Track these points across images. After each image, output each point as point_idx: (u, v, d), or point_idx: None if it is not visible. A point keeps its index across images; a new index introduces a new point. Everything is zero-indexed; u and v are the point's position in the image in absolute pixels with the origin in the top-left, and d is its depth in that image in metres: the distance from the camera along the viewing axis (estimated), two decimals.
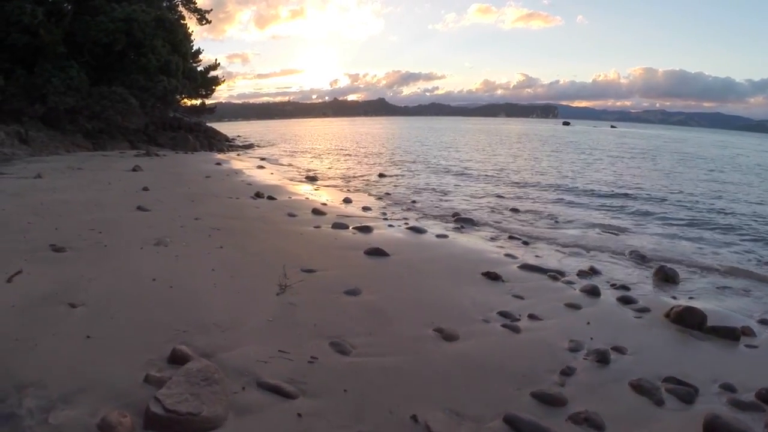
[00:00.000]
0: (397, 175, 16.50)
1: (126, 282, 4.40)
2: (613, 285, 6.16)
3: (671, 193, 13.61)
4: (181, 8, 35.61)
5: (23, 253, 5.15)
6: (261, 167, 17.58)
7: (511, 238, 8.40)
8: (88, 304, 3.86)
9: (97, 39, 26.75)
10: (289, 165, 20.40)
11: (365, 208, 9.88)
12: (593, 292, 5.72)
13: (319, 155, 26.42)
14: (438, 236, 7.88)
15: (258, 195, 10.21)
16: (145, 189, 10.27)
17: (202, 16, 41.25)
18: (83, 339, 3.29)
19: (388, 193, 12.39)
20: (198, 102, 46.34)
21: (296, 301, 4.31)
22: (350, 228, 7.76)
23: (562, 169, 19.13)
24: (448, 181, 15.03)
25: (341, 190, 13.04)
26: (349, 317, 4.12)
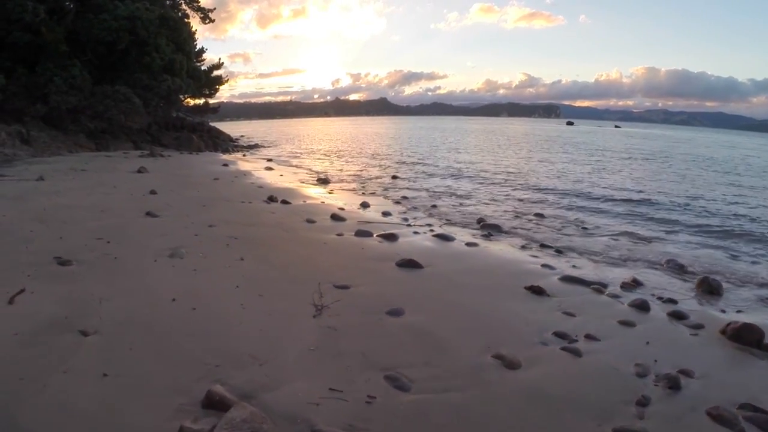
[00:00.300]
0: (410, 178, 15.97)
1: (142, 303, 3.91)
2: (659, 298, 5.80)
3: (692, 198, 13.10)
4: (184, 6, 35.07)
5: (26, 266, 4.67)
6: (269, 168, 17.07)
7: (543, 246, 7.92)
8: (101, 331, 3.37)
9: (100, 37, 26.31)
10: (298, 166, 19.85)
11: (385, 213, 9.37)
12: (642, 306, 5.38)
13: (327, 156, 25.80)
14: (468, 245, 7.39)
15: (271, 199, 9.71)
16: (153, 192, 9.78)
17: (206, 15, 40.78)
18: (99, 377, 2.80)
19: (405, 197, 11.88)
20: (201, 101, 45.91)
21: (336, 324, 3.82)
22: (375, 236, 7.27)
23: (577, 172, 18.59)
24: (464, 184, 14.50)
25: (356, 193, 12.51)
26: (399, 343, 3.63)
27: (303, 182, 13.91)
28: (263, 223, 7.47)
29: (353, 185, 13.91)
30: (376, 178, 15.91)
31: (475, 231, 8.64)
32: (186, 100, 44.55)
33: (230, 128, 59.19)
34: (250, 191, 10.89)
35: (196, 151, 25.43)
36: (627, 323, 4.78)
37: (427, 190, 13.29)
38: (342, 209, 9.30)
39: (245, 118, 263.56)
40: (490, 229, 8.76)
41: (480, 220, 9.47)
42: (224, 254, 5.53)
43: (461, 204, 11.29)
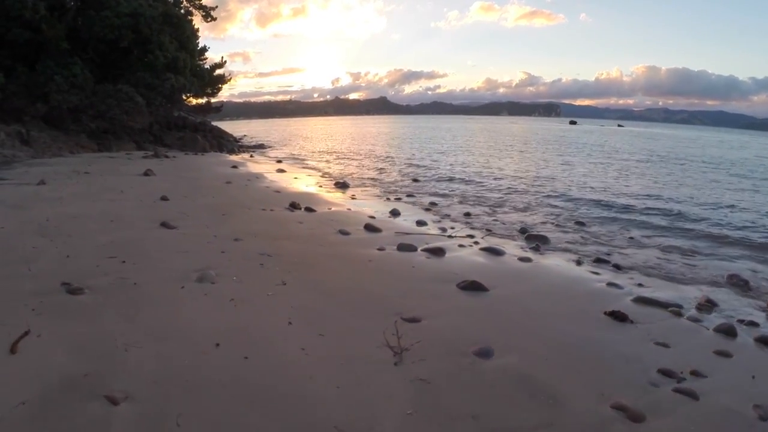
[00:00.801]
0: (431, 181, 15.11)
1: (180, 350, 3.10)
2: (740, 321, 5.23)
3: (728, 208, 12.18)
4: (186, 3, 34.25)
5: (29, 296, 3.87)
6: (281, 171, 16.26)
7: (598, 261, 7.14)
8: (134, 395, 2.56)
9: (101, 35, 25.53)
10: (311, 168, 19.00)
11: (420, 223, 8.57)
12: (729, 332, 4.85)
13: (338, 156, 24.86)
14: (521, 260, 6.62)
15: (294, 206, 8.91)
16: (164, 199, 8.98)
17: (207, 13, 39.90)
18: None
19: (434, 203, 11.02)
20: (203, 101, 45.11)
21: (425, 373, 3.04)
22: (419, 250, 6.48)
23: (600, 176, 17.60)
24: (489, 190, 13.50)
25: (381, 198, 11.67)
26: (506, 396, 2.89)
27: (321, 186, 13.09)
28: (294, 235, 6.67)
29: (375, 190, 13.07)
30: (396, 181, 15.05)
31: (521, 243, 7.85)
32: (188, 100, 43.83)
33: (230, 128, 58.11)
34: (269, 197, 10.09)
35: (201, 151, 24.62)
36: (723, 354, 4.27)
37: (453, 195, 12.45)
38: (373, 218, 8.51)
39: (245, 117, 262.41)
40: (537, 241, 7.97)
41: (523, 230, 8.68)
42: (261, 277, 4.73)
43: (495, 212, 10.45)
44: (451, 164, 20.20)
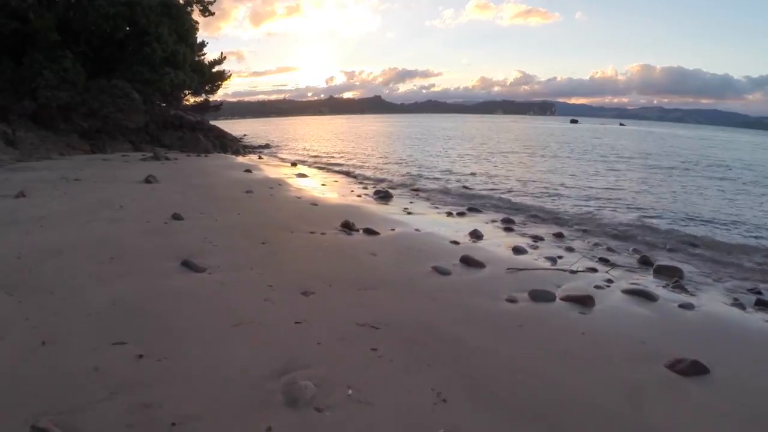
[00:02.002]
0: (478, 189, 13.04)
1: None
2: None
3: None
4: None
5: None
6: (302, 175, 14.20)
7: (760, 304, 5.22)
8: None
9: (95, 26, 23.43)
10: (332, 171, 16.95)
11: (518, 251, 6.51)
12: None
13: (353, 157, 22.66)
14: (682, 306, 4.70)
15: (348, 227, 6.86)
16: (177, 217, 6.92)
17: (205, 8, 37.67)
18: None
19: (509, 220, 8.90)
20: (201, 99, 42.99)
21: None
22: (557, 299, 4.50)
23: (663, 185, 15.33)
24: (557, 204, 11.18)
25: (439, 212, 9.56)
26: None
27: (360, 196, 10.99)
28: (380, 279, 4.60)
29: (424, 202, 10.91)
30: (442, 189, 12.92)
31: (657, 280, 5.87)
32: (187, 98, 41.68)
33: (226, 127, 55.91)
34: (308, 212, 8.04)
35: (204, 152, 22.50)
36: None
37: (521, 209, 10.33)
38: (456, 243, 6.47)
39: (239, 117, 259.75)
40: (672, 275, 6.00)
41: (645, 260, 6.68)
42: (389, 381, 2.68)
43: (584, 233, 8.39)
44: (489, 171, 17.68)
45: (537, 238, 7.45)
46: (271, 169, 15.59)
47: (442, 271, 4.97)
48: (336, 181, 13.67)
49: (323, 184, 12.47)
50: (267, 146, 28.68)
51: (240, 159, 19.73)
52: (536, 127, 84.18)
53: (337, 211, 8.08)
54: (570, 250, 6.96)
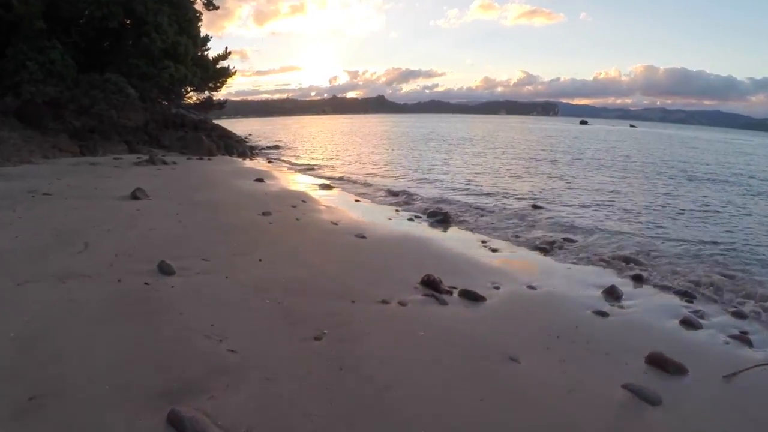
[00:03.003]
0: (550, 210, 10.47)
1: None
2: None
3: None
4: None
5: None
6: (327, 187, 11.82)
7: None
8: None
9: (87, 13, 21.13)
10: (362, 183, 14.18)
11: (689, 324, 4.20)
12: None
13: (370, 162, 20.16)
14: None
15: (433, 287, 4.49)
16: (165, 270, 4.57)
17: (209, 1, 35.22)
18: None
19: (631, 262, 6.48)
20: (204, 96, 40.69)
21: None
22: None
23: (690, 206, 12.46)
24: (656, 233, 8.72)
25: (526, 247, 7.09)
26: None
27: (411, 220, 8.56)
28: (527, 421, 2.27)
29: (498, 230, 8.36)
30: (508, 214, 10.07)
31: None
32: (189, 95, 39.41)
33: (230, 126, 53.47)
34: (358, 252, 5.72)
35: (207, 155, 20.13)
36: None
37: (624, 245, 7.76)
38: (604, 314, 4.15)
39: (242, 116, 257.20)
40: None
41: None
42: None
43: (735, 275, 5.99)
44: (546, 187, 14.40)
45: (687, 296, 5.06)
46: (287, 178, 13.28)
47: (645, 396, 2.61)
48: (365, 194, 11.29)
49: (356, 200, 10.11)
50: (276, 147, 26.21)
51: (248, 163, 17.39)
52: (547, 128, 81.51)
53: (401, 249, 5.79)
54: (740, 316, 4.59)
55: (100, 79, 20.28)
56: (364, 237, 6.39)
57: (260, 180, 11.81)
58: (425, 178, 15.00)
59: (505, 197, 11.87)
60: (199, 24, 35.27)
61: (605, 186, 14.60)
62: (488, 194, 12.33)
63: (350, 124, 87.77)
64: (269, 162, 18.96)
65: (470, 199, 11.33)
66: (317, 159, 21.38)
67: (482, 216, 9.22)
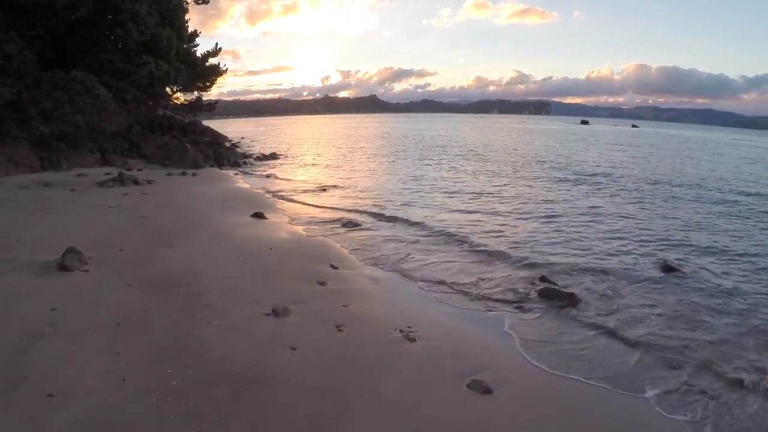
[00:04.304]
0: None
1: None
2: None
3: None
4: None
5: None
6: (353, 224, 8.52)
7: None
8: None
9: (51, 1, 17.88)
10: (394, 218, 9.38)
11: None
12: None
13: (394, 180, 15.78)
14: None
15: None
16: None
17: None
18: None
19: None
20: (193, 96, 37.30)
21: None
22: None
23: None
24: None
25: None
26: None
27: (512, 302, 5.22)
28: None
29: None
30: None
31: None
32: (175, 95, 36.03)
33: (222, 128, 50.25)
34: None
35: (193, 167, 16.91)
36: None
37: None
38: None
39: (234, 116, 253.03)
40: None
41: None
42: None
43: None
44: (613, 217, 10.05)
45: None
46: (293, 208, 9.98)
47: None
48: (417, 241, 7.64)
49: (409, 255, 6.57)
50: (273, 156, 22.79)
51: (240, 182, 14.04)
52: (549, 129, 78.44)
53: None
54: None
55: (64, 77, 17.01)
56: (486, 393, 3.21)
57: (259, 216, 8.58)
58: (469, 204, 11.59)
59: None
60: (187, 18, 32.03)
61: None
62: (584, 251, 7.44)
63: (344, 126, 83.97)
64: (267, 177, 15.64)
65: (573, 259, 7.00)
66: (320, 172, 17.74)
67: (621, 295, 5.82)
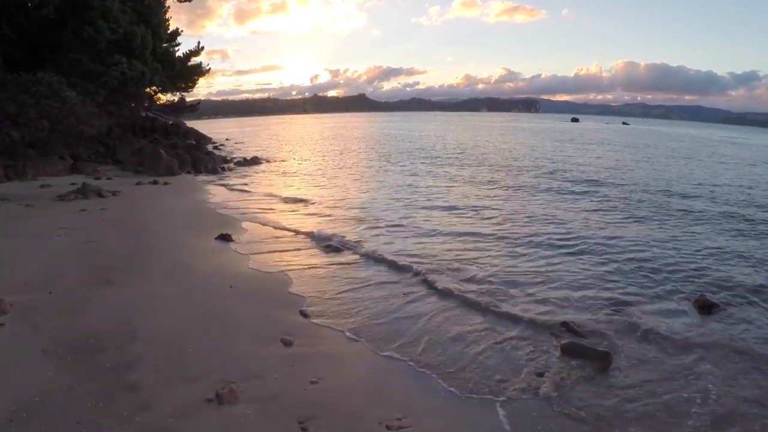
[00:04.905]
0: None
1: None
2: None
3: None
4: None
5: None
6: (336, 251, 7.32)
7: None
8: None
9: None
10: (385, 263, 7.01)
11: None
12: None
13: (390, 196, 13.12)
14: None
15: None
16: None
17: None
18: None
19: None
20: (175, 97, 36.09)
21: None
22: None
23: None
24: None
25: None
26: None
27: (529, 376, 4.15)
28: None
29: None
30: None
31: None
32: (157, 95, 34.82)
33: (209, 128, 49.15)
34: None
35: (167, 174, 15.88)
36: None
37: None
38: None
39: (222, 116, 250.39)
40: None
41: None
42: None
43: None
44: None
45: None
46: (267, 228, 8.88)
47: None
48: (405, 285, 6.30)
49: (425, 315, 5.34)
50: (254, 161, 21.56)
51: (213, 193, 12.79)
52: (539, 128, 77.93)
53: None
54: None
55: (29, 79, 15.88)
56: None
57: (226, 238, 7.55)
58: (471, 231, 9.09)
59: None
60: (168, 16, 30.87)
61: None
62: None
63: (331, 127, 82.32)
64: (244, 185, 14.48)
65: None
66: (301, 181, 16.24)
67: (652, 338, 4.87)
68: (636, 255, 7.37)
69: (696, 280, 6.30)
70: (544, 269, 6.59)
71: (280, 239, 8.01)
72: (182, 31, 31.86)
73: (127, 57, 18.60)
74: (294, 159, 23.32)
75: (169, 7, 30.48)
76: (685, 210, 11.30)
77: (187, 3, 28.26)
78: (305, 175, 17.28)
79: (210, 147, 30.99)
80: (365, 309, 5.09)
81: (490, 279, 6.14)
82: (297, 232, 8.47)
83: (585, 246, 7.83)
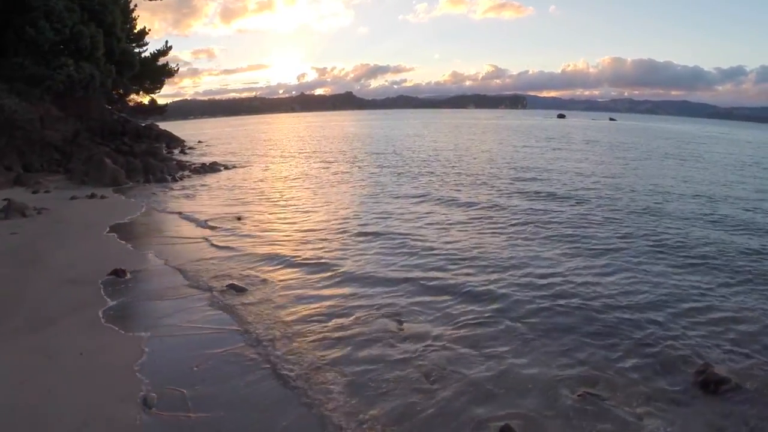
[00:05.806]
0: None
1: None
2: None
3: None
4: None
5: None
6: (240, 291, 6.12)
7: None
8: None
9: None
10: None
11: None
12: None
13: (356, 211, 11.50)
14: None
15: None
16: None
17: None
18: None
19: None
20: (146, 98, 35.07)
21: None
22: None
23: None
24: None
25: None
26: None
27: None
28: None
29: None
30: None
31: None
32: (129, 97, 33.70)
33: (193, 127, 48.09)
34: None
35: (112, 184, 14.85)
36: None
37: None
38: None
39: (210, 115, 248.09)
40: None
41: None
42: None
43: None
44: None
45: None
46: (178, 259, 7.64)
47: None
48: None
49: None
50: (212, 167, 19.91)
51: (142, 212, 11.20)
52: (526, 125, 77.33)
53: None
54: None
55: None
56: None
57: (118, 274, 6.50)
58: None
59: None
60: (135, 15, 29.70)
61: None
62: None
63: (323, 125, 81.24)
64: (186, 198, 13.27)
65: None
66: (255, 190, 14.61)
67: None
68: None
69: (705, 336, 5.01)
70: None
71: (193, 270, 6.98)
72: (149, 30, 30.69)
73: (75, 59, 17.51)
74: (259, 165, 22.14)
75: (136, 6, 29.31)
76: (693, 236, 9.09)
77: (172, 2, 27.13)
78: (252, 189, 14.85)
79: (177, 151, 29.80)
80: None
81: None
82: (213, 259, 7.43)
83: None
